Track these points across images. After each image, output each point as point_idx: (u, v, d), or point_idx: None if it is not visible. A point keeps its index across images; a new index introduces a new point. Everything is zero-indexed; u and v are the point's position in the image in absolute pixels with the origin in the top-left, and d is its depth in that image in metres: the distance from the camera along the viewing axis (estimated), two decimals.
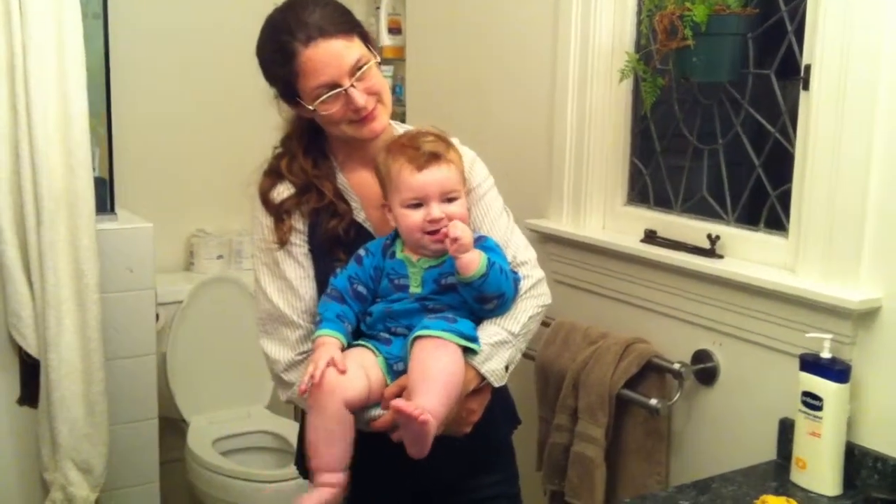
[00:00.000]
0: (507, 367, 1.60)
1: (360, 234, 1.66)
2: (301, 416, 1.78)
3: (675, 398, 1.99)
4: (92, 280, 2.33)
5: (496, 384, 1.58)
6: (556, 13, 2.29)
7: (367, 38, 1.63)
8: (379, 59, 1.63)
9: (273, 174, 1.68)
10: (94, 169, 2.38)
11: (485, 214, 1.68)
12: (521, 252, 1.68)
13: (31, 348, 2.35)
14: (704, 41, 1.85)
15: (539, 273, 1.69)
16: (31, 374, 2.39)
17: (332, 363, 1.48)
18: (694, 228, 2.03)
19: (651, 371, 2.04)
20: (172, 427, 2.95)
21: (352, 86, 1.56)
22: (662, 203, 2.18)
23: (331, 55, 1.55)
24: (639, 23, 2.14)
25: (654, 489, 1.99)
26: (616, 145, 2.25)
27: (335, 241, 1.63)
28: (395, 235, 1.61)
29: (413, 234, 1.55)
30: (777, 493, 1.64)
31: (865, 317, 1.66)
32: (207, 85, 3.15)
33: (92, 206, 2.33)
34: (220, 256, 3.15)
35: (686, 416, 2.03)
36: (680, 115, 2.13)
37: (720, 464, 1.84)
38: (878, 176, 1.62)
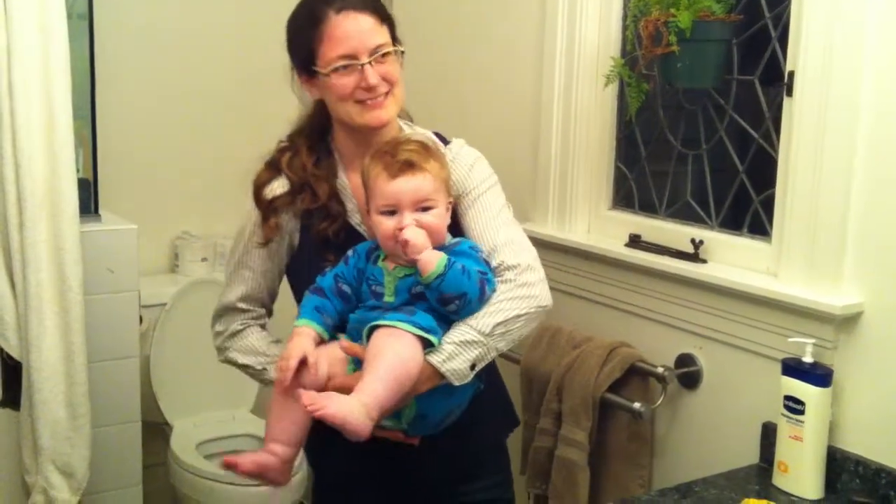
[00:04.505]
0: (472, 367, 1.53)
1: (353, 238, 1.65)
2: None
3: (659, 402, 2.00)
4: (75, 282, 2.32)
5: (456, 383, 1.52)
6: (543, 18, 2.29)
7: (394, 33, 1.66)
8: (401, 57, 1.65)
9: (272, 168, 1.69)
10: (77, 170, 2.37)
11: (477, 217, 1.66)
12: (510, 257, 1.61)
13: (13, 350, 2.33)
14: (689, 47, 1.87)
15: (530, 276, 1.61)
16: (12, 376, 2.37)
17: (303, 360, 1.47)
18: (678, 233, 2.04)
19: (635, 375, 2.04)
20: (156, 430, 2.94)
21: (369, 63, 1.58)
22: (647, 208, 2.19)
23: (357, 28, 1.58)
24: (624, 28, 2.15)
25: (637, 493, 1.99)
26: (601, 150, 2.25)
27: (324, 243, 1.64)
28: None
29: (385, 241, 1.54)
30: (759, 496, 1.65)
31: (847, 321, 1.67)
32: (193, 86, 3.14)
33: (75, 208, 2.32)
34: (204, 259, 3.13)
35: (669, 420, 2.04)
36: (664, 121, 2.14)
37: (703, 467, 1.85)
38: (861, 181, 1.64)
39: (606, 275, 2.16)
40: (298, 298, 1.68)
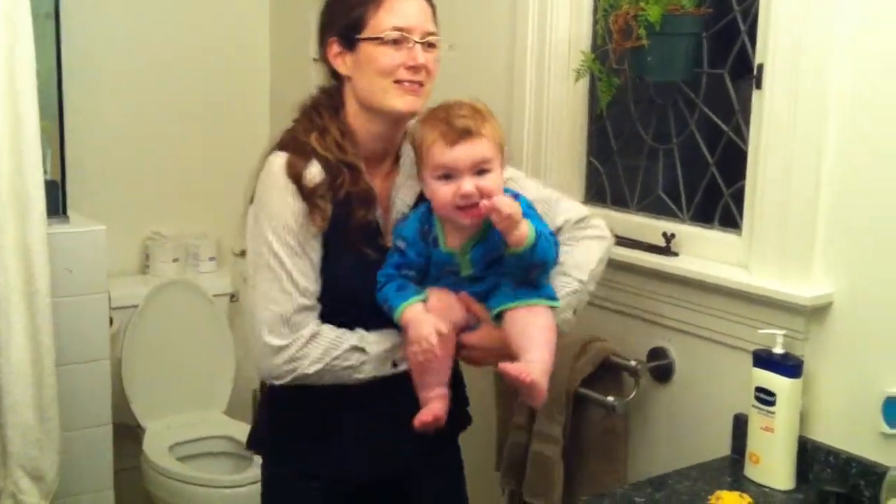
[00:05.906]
0: (574, 312, 1.65)
1: (377, 228, 1.62)
2: (262, 401, 1.76)
3: (632, 395, 2.00)
4: (42, 284, 2.30)
5: (567, 331, 1.64)
6: (514, 13, 2.29)
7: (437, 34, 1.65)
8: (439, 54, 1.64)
9: (301, 151, 1.57)
10: (45, 171, 2.34)
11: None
12: (571, 212, 1.70)
13: None
14: (659, 41, 1.87)
15: (596, 221, 1.73)
16: None
17: (439, 332, 1.49)
18: (649, 227, 2.04)
19: (608, 369, 2.04)
20: (128, 433, 2.91)
21: (420, 44, 1.57)
22: (619, 202, 2.20)
23: (419, 8, 1.60)
24: (595, 22, 2.15)
25: (611, 486, 1.99)
26: (573, 145, 2.25)
27: (365, 231, 1.58)
28: (426, 219, 1.58)
29: (444, 209, 1.54)
30: (731, 487, 1.65)
31: (817, 313, 1.68)
32: (162, 85, 3.11)
33: (42, 209, 2.30)
34: (175, 259, 3.11)
35: (642, 414, 2.04)
36: (635, 115, 2.14)
37: (676, 460, 1.85)
38: (830, 173, 1.64)
39: None
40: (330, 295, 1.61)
